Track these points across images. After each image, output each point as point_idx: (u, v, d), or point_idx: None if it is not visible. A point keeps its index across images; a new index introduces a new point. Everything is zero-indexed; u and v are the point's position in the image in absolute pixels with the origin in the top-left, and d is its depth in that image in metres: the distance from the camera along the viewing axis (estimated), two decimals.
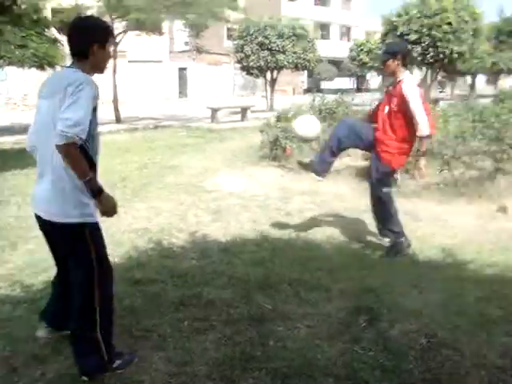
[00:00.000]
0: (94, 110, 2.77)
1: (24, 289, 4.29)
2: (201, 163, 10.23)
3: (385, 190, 5.12)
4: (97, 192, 2.77)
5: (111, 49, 3.04)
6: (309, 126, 5.32)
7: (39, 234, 5.72)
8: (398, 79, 4.93)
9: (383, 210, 5.18)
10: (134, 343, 3.37)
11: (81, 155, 2.67)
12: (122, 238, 5.64)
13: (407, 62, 5.07)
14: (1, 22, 10.88)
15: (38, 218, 3.02)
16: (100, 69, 3.00)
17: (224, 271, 4.60)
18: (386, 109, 4.99)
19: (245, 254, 5.08)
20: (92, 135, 2.79)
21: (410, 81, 4.93)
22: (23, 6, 9.90)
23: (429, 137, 4.88)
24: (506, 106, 11.31)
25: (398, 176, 7.66)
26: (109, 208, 2.86)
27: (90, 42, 2.85)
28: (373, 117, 5.27)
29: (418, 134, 4.79)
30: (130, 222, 6.26)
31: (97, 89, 2.78)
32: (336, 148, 5.17)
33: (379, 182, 5.11)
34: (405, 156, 5.09)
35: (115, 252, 5.17)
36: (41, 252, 5.17)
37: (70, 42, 2.90)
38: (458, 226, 6.16)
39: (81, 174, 2.69)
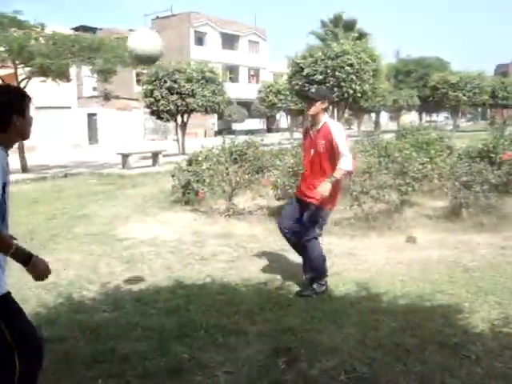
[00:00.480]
0: (4, 185, 2.60)
1: None
2: (112, 211, 9.98)
3: (317, 231, 5.18)
4: (27, 260, 2.60)
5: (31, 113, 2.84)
6: (148, 42, 4.81)
7: None
8: (321, 122, 5.06)
9: (311, 250, 5.15)
10: None
11: None
12: (27, 294, 5.32)
13: (328, 109, 5.28)
14: None
15: None
16: (25, 137, 2.85)
17: (138, 322, 4.46)
18: (312, 152, 5.10)
19: (159, 302, 4.95)
20: (4, 209, 2.66)
21: (335, 122, 5.19)
22: None
23: (349, 173, 5.10)
24: (408, 141, 11.89)
25: None
26: (41, 271, 2.68)
27: (7, 114, 2.67)
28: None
29: (341, 166, 4.86)
30: None
31: (7, 164, 2.63)
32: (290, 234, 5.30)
33: (312, 224, 5.12)
34: (337, 195, 5.22)
35: None
36: None
37: None
38: (371, 259, 6.31)
39: (3, 249, 2.54)
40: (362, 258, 6.41)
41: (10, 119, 2.66)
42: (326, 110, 5.16)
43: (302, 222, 5.15)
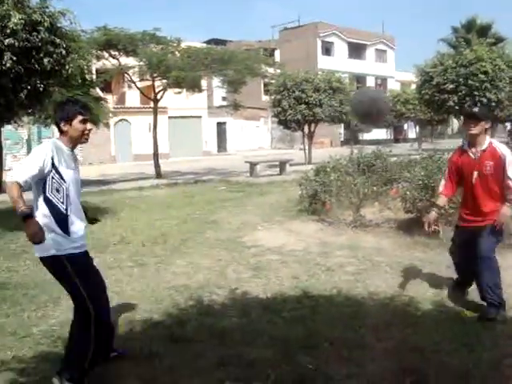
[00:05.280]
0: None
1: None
2: (240, 218, 10.25)
3: (493, 247, 4.96)
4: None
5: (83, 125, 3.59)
6: None
7: None
8: (486, 142, 4.87)
9: (493, 272, 4.88)
10: None
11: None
12: (161, 294, 5.65)
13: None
14: (51, 84, 11.45)
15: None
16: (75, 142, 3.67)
17: (264, 330, 4.53)
18: (475, 174, 4.88)
19: (285, 311, 5.00)
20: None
21: (502, 144, 4.99)
22: (70, 70, 10.43)
23: None
24: None
25: None
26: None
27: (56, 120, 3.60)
28: (449, 188, 5.23)
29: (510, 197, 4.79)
30: (170, 279, 6.27)
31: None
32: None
33: (492, 246, 4.93)
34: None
35: (155, 308, 5.18)
36: None
37: None
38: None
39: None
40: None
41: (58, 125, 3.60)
42: (487, 130, 4.93)
43: (483, 246, 4.88)
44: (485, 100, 22.91)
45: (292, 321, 4.74)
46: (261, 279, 6.16)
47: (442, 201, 5.26)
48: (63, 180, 3.47)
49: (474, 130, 4.84)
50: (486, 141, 4.88)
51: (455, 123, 51.12)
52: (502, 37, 29.26)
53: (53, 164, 3.41)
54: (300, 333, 4.42)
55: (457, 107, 23.70)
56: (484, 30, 29.42)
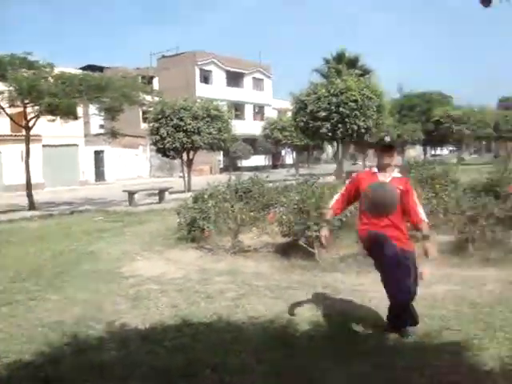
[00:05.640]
0: None
1: None
2: (118, 248, 9.99)
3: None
4: None
5: None
6: None
7: None
8: (393, 172, 4.93)
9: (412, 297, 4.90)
10: None
11: None
12: (33, 333, 5.33)
13: None
14: None
15: None
16: None
17: (144, 361, 4.43)
18: None
19: (166, 341, 4.91)
20: None
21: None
22: None
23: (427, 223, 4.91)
24: (413, 176, 11.91)
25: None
26: None
27: None
28: (339, 205, 5.21)
29: (424, 219, 4.81)
30: (43, 315, 5.94)
31: None
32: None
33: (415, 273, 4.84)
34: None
35: (25, 348, 4.87)
36: None
37: None
38: (377, 296, 6.19)
39: None
40: (369, 294, 6.32)
41: None
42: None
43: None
44: (355, 127, 24.29)
45: (173, 350, 4.67)
46: (140, 310, 6.03)
47: (330, 214, 5.25)
48: None
49: (390, 160, 4.90)
50: (395, 170, 4.98)
51: (329, 149, 53.52)
52: (368, 69, 31.24)
53: None
54: (181, 361, 4.37)
55: (330, 134, 24.90)
56: (352, 62, 31.21)
